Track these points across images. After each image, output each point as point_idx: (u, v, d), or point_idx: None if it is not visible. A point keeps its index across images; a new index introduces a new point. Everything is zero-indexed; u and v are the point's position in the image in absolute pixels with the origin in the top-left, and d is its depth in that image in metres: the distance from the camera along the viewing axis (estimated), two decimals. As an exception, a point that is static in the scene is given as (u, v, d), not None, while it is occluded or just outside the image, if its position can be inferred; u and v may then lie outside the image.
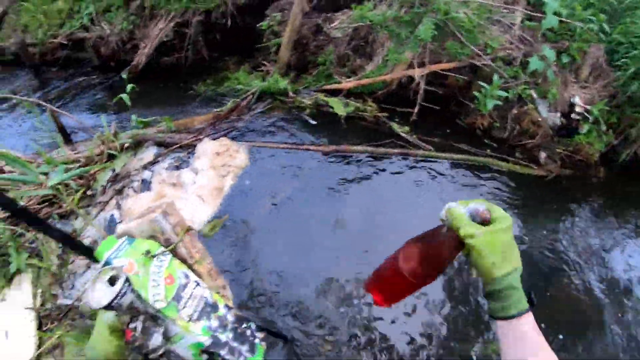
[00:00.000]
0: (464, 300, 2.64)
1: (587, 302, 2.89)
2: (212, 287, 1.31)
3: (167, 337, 1.08)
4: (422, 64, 3.69)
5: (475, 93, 3.68)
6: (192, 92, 4.20)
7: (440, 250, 0.78)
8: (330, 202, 2.96)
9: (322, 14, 3.93)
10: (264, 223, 2.77)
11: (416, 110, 3.56)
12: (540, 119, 4.00)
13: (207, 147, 3.11)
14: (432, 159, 3.45)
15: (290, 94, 3.65)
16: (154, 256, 1.10)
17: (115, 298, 0.93)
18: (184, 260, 1.20)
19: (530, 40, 4.04)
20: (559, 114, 4.17)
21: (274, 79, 3.73)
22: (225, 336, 1.23)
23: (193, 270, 1.24)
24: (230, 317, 1.28)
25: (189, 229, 1.25)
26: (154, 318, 1.05)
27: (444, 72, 3.77)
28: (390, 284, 0.85)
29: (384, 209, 2.96)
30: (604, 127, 4.44)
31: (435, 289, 2.61)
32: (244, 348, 1.28)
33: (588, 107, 4.23)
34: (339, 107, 3.51)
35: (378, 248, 2.56)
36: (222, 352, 1.20)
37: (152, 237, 1.15)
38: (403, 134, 3.48)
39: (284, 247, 2.63)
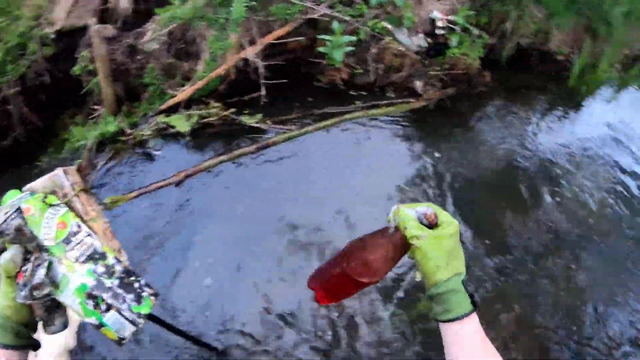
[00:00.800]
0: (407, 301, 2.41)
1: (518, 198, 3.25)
2: (106, 246, 1.37)
3: (53, 282, 1.13)
4: (252, 41, 3.30)
5: (320, 49, 3.32)
6: (37, 170, 3.69)
7: (386, 251, 0.78)
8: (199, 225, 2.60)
9: (133, 31, 3.47)
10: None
11: (263, 92, 3.17)
12: (402, 48, 3.69)
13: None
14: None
15: (127, 130, 3.20)
16: (51, 205, 1.19)
17: (4, 221, 1.02)
18: (79, 216, 1.30)
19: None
20: (421, 36, 3.87)
21: (104, 122, 3.26)
22: (110, 282, 1.30)
23: (88, 227, 1.31)
24: (118, 267, 1.33)
25: (86, 190, 1.33)
26: (41, 257, 1.11)
27: (282, 40, 3.39)
28: (334, 282, 0.83)
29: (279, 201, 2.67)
30: (475, 32, 4.19)
31: (374, 290, 2.38)
32: (130, 297, 1.32)
33: (451, 17, 3.95)
34: (181, 123, 3.08)
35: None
36: (105, 296, 1.26)
37: (53, 192, 1.25)
38: (256, 125, 3.10)
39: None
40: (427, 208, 0.78)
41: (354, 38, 3.34)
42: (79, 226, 1.30)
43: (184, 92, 3.19)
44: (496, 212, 3.12)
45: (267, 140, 3.01)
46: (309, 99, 3.43)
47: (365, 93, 3.60)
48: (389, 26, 3.64)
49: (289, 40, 3.34)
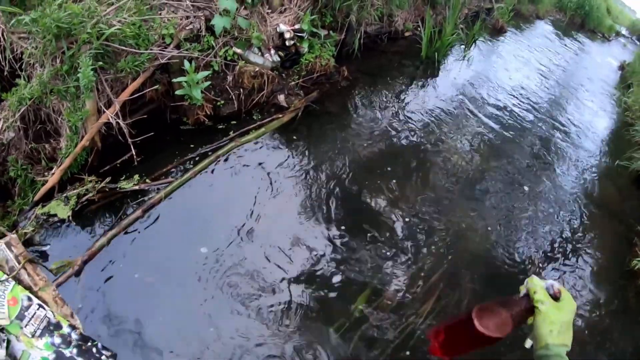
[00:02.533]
0: None
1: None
2: (59, 314, 1.41)
3: (14, 357, 1.16)
4: (109, 103, 3.31)
5: (178, 92, 3.44)
6: None
7: (514, 311, 0.90)
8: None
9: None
10: None
11: (133, 152, 3.20)
12: (257, 69, 3.92)
13: None
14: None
15: (8, 234, 3.11)
16: None
17: None
18: (28, 288, 1.31)
19: (204, 2, 3.80)
20: (273, 52, 4.13)
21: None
22: (68, 351, 1.32)
23: (37, 297, 1.34)
24: (74, 336, 1.36)
25: (31, 260, 1.36)
26: None
27: (139, 93, 3.44)
28: (458, 336, 0.93)
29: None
30: (323, 33, 4.53)
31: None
32: (90, 363, 1.37)
33: (297, 27, 4.23)
34: (60, 209, 2.97)
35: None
36: (66, 366, 1.24)
37: None
38: (136, 188, 3.13)
39: None
40: (554, 282, 0.93)
41: (208, 72, 3.50)
42: (29, 299, 1.32)
43: (54, 176, 3.09)
44: (388, 186, 3.54)
45: (152, 199, 2.97)
46: (181, 144, 3.51)
47: (234, 122, 3.79)
48: (239, 50, 3.84)
49: (147, 90, 3.40)
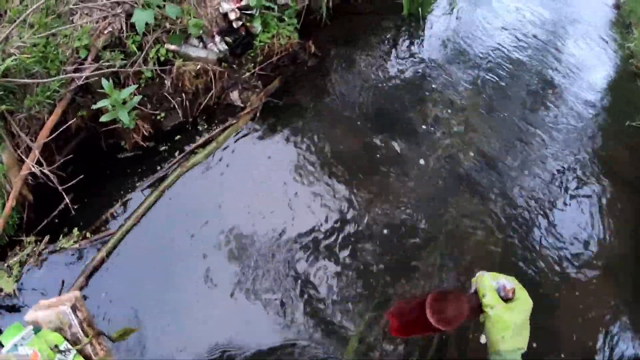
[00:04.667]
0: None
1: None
2: None
3: None
4: (27, 149, 2.75)
5: (103, 118, 2.83)
6: None
7: (463, 309, 0.88)
8: None
9: None
10: None
11: (68, 201, 2.67)
12: (200, 65, 3.25)
13: None
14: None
15: None
16: (60, 351, 1.14)
17: None
18: (88, 358, 1.24)
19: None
20: (218, 39, 3.41)
21: None
22: None
23: None
24: None
25: (99, 333, 1.27)
26: None
27: (63, 127, 2.85)
28: (411, 320, 0.93)
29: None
30: (281, 2, 3.75)
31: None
32: None
33: (243, 2, 3.47)
34: (4, 282, 2.41)
35: None
36: None
37: (59, 329, 1.18)
38: (73, 247, 2.67)
39: None
40: (508, 282, 0.87)
41: (133, 87, 2.87)
42: None
43: None
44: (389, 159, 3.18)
45: (94, 259, 2.56)
46: (121, 177, 2.99)
47: (178, 136, 3.22)
48: (174, 46, 3.16)
49: (68, 123, 2.82)
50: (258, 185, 2.94)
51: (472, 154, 3.47)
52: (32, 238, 2.60)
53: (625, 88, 4.85)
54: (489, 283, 0.87)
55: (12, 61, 2.48)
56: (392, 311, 0.99)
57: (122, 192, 2.88)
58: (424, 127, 3.57)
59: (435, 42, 4.55)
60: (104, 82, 2.71)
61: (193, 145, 3.09)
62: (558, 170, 3.51)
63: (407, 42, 4.47)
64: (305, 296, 2.55)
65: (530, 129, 3.79)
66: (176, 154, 3.07)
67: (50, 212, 2.67)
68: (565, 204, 3.29)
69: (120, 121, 2.83)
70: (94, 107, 2.72)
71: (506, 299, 0.86)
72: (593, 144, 3.86)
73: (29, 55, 2.59)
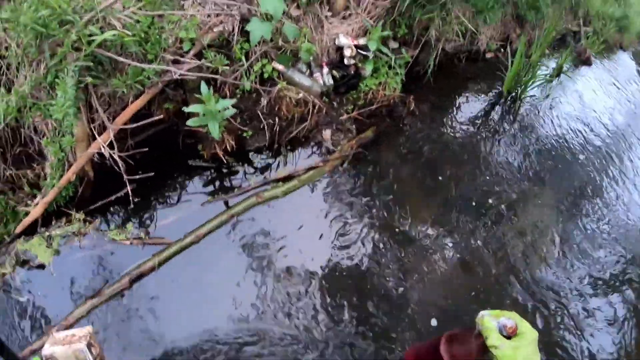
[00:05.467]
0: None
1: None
2: None
3: None
4: (102, 127, 2.35)
5: (190, 122, 2.40)
6: None
7: (471, 349, 0.92)
8: None
9: None
10: None
11: (130, 193, 2.29)
12: (302, 94, 2.87)
13: None
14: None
15: None
16: None
17: None
18: None
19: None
20: (326, 70, 3.04)
21: None
22: None
23: None
24: None
25: None
26: None
27: (141, 113, 2.45)
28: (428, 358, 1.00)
29: None
30: (392, 47, 3.43)
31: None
32: None
33: (361, 41, 3.13)
34: (42, 250, 2.22)
35: None
36: None
37: None
38: (123, 242, 2.28)
39: None
40: (508, 320, 0.90)
41: (232, 101, 2.46)
42: None
43: (37, 209, 2.31)
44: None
45: (142, 266, 2.24)
46: (191, 185, 2.59)
47: (261, 160, 2.80)
48: (281, 67, 2.78)
49: (150, 120, 2.41)
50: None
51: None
52: (81, 215, 2.38)
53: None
54: (489, 325, 0.88)
55: (111, 35, 2.06)
56: (409, 354, 1.01)
57: (185, 200, 2.52)
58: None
59: (525, 126, 4.25)
60: (203, 87, 2.31)
61: (274, 177, 2.65)
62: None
63: (500, 122, 4.16)
64: None
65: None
66: (252, 178, 2.62)
67: (107, 194, 2.43)
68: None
69: (206, 128, 2.40)
70: (185, 109, 2.30)
71: (509, 336, 0.86)
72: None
73: (130, 33, 2.18)
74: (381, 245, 2.64)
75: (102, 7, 2.11)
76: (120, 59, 2.16)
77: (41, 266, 2.25)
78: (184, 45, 2.44)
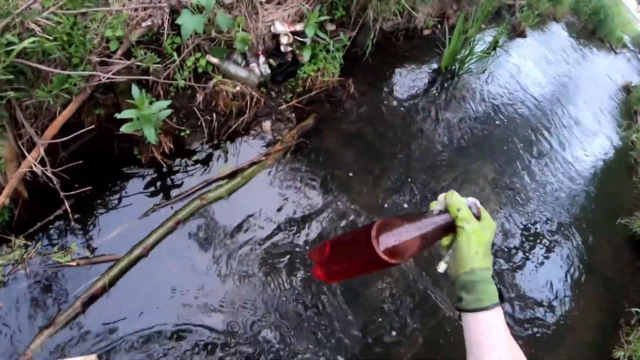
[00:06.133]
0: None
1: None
2: None
3: None
4: (30, 142, 2.24)
5: (124, 129, 2.35)
6: None
7: (425, 232, 0.75)
8: None
9: None
10: None
11: (68, 209, 2.20)
12: (238, 87, 2.87)
13: None
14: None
15: None
16: None
17: None
18: None
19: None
20: (263, 59, 3.04)
21: None
22: None
23: None
24: None
25: None
26: None
27: (71, 122, 2.35)
28: (349, 258, 0.74)
29: None
30: (330, 29, 3.45)
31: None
32: None
33: (298, 27, 3.13)
34: None
35: None
36: None
37: None
38: (69, 264, 2.22)
39: None
40: (475, 200, 0.82)
41: (167, 102, 2.44)
42: None
43: None
44: None
45: (92, 288, 2.15)
46: (129, 194, 2.54)
47: (201, 159, 2.82)
48: (216, 60, 2.75)
49: (78, 133, 2.31)
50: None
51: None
52: (21, 241, 2.24)
53: (621, 180, 5.07)
54: (461, 199, 0.81)
55: (30, 42, 1.96)
56: (319, 247, 0.78)
57: (127, 210, 2.45)
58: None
59: (465, 99, 4.50)
60: (134, 90, 2.27)
61: (216, 176, 2.70)
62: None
63: (439, 98, 4.35)
64: None
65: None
66: (194, 179, 2.66)
67: (46, 213, 2.33)
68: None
69: (149, 138, 2.39)
70: (118, 116, 2.26)
71: (476, 217, 0.81)
72: (581, 235, 3.94)
73: (51, 37, 2.08)
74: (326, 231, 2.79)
75: (20, 10, 1.98)
76: (43, 67, 2.05)
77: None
78: (110, 45, 2.35)
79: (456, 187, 3.59)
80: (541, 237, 3.66)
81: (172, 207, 2.54)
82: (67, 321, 2.09)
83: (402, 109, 3.96)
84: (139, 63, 2.43)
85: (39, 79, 2.16)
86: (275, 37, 3.08)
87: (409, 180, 3.37)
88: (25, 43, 1.95)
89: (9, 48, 1.93)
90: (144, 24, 2.50)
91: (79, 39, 2.21)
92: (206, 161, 2.80)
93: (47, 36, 2.06)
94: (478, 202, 0.83)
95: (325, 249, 0.76)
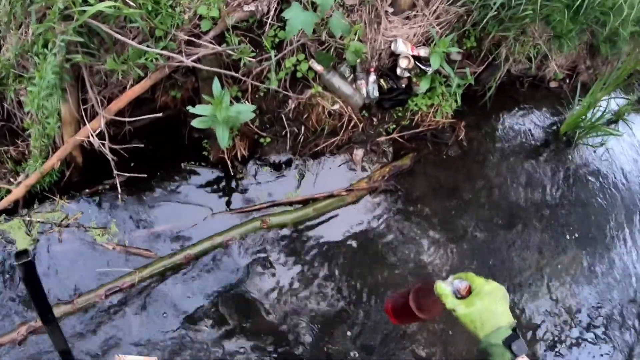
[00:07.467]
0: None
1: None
2: None
3: None
4: (93, 114, 1.88)
5: (195, 123, 1.89)
6: None
7: (437, 303, 0.92)
8: None
9: None
10: None
11: (119, 189, 1.93)
12: (338, 105, 2.33)
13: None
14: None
15: None
16: None
17: None
18: None
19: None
20: (372, 78, 2.49)
21: None
22: None
23: None
24: None
25: None
26: None
27: (144, 97, 1.96)
28: (402, 312, 1.02)
29: None
30: (457, 81, 2.80)
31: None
32: None
33: (422, 51, 2.56)
34: (20, 236, 2.07)
35: None
36: None
37: None
38: (105, 245, 1.89)
39: None
40: (460, 282, 0.90)
41: (252, 107, 1.94)
42: None
43: (18, 189, 2.04)
44: None
45: (120, 280, 1.95)
46: (187, 191, 2.16)
47: (273, 172, 2.31)
48: (319, 68, 2.23)
49: (159, 96, 1.91)
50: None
51: None
52: (65, 202, 2.18)
53: None
54: (442, 291, 0.89)
55: (107, 7, 1.53)
56: (386, 307, 1.05)
57: (178, 207, 2.19)
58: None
59: (577, 175, 3.70)
60: (215, 85, 1.78)
61: (284, 199, 2.18)
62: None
63: (549, 167, 3.60)
64: None
65: None
66: (260, 193, 2.16)
67: (97, 181, 2.21)
68: None
69: (221, 142, 1.90)
70: (190, 110, 1.78)
71: (465, 297, 0.88)
72: None
73: (133, 5, 1.65)
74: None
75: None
76: (118, 35, 1.64)
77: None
78: (202, 24, 1.91)
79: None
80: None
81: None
82: (86, 306, 1.94)
83: (505, 170, 3.26)
84: (231, 52, 1.95)
85: (115, 45, 1.74)
86: (394, 56, 2.52)
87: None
88: (101, 6, 1.53)
89: (84, 7, 1.52)
90: (246, 8, 2.03)
91: (167, 10, 1.78)
92: (279, 178, 2.30)
93: (129, 1, 1.64)
94: (464, 282, 0.88)
95: (387, 306, 1.06)
